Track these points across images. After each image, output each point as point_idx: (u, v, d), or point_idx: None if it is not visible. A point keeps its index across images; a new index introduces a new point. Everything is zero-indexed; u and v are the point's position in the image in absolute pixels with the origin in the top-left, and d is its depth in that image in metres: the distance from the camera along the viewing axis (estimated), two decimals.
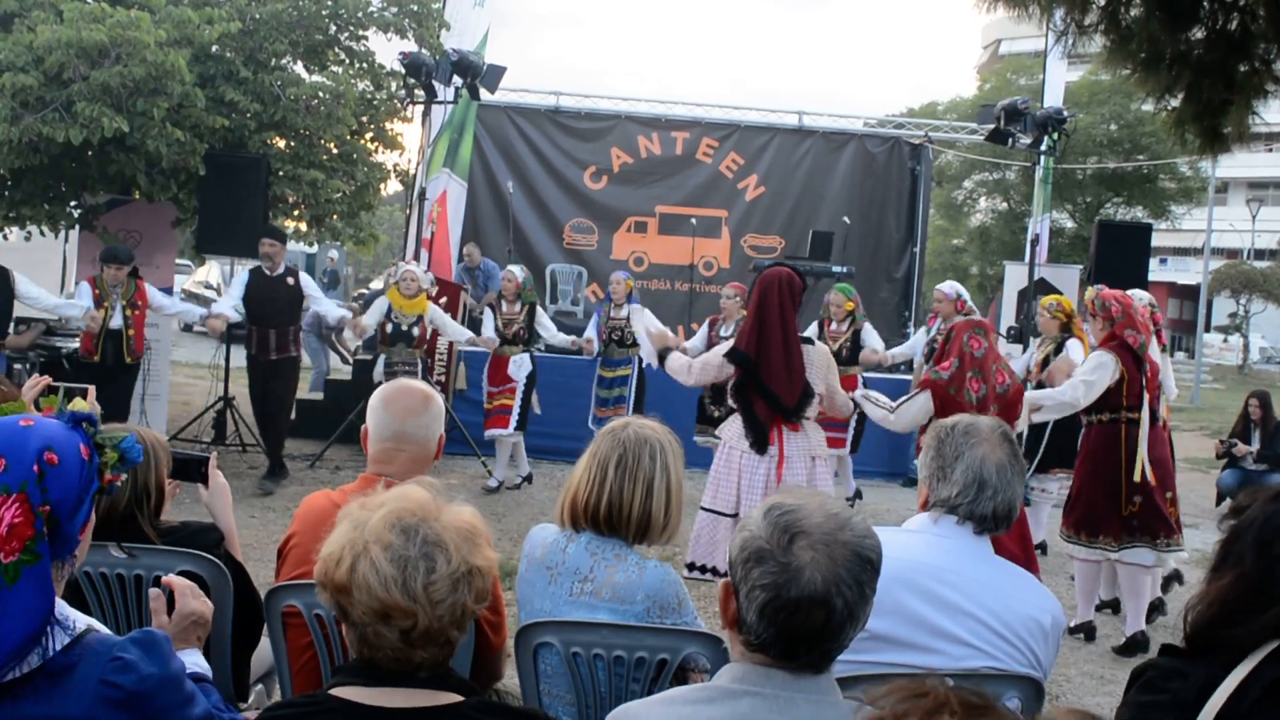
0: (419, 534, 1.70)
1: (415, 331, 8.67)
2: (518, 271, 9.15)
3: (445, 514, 1.75)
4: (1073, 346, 7.37)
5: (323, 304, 9.12)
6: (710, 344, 8.41)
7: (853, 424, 8.82)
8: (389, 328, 8.67)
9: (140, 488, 2.81)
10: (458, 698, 1.74)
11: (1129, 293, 6.22)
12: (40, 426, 1.70)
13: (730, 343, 5.60)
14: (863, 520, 1.74)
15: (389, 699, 1.70)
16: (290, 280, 8.65)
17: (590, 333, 9.28)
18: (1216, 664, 1.74)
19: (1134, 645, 5.79)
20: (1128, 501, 5.73)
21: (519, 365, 8.89)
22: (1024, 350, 9.88)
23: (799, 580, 1.61)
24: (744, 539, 1.69)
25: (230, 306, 8.51)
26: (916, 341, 9.30)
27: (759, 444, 5.26)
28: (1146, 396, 5.81)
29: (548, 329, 9.25)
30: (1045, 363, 7.41)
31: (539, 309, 9.33)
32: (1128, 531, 5.74)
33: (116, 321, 8.11)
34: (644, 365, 9.16)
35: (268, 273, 8.57)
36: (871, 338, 9.09)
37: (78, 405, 1.81)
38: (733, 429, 5.37)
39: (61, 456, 1.69)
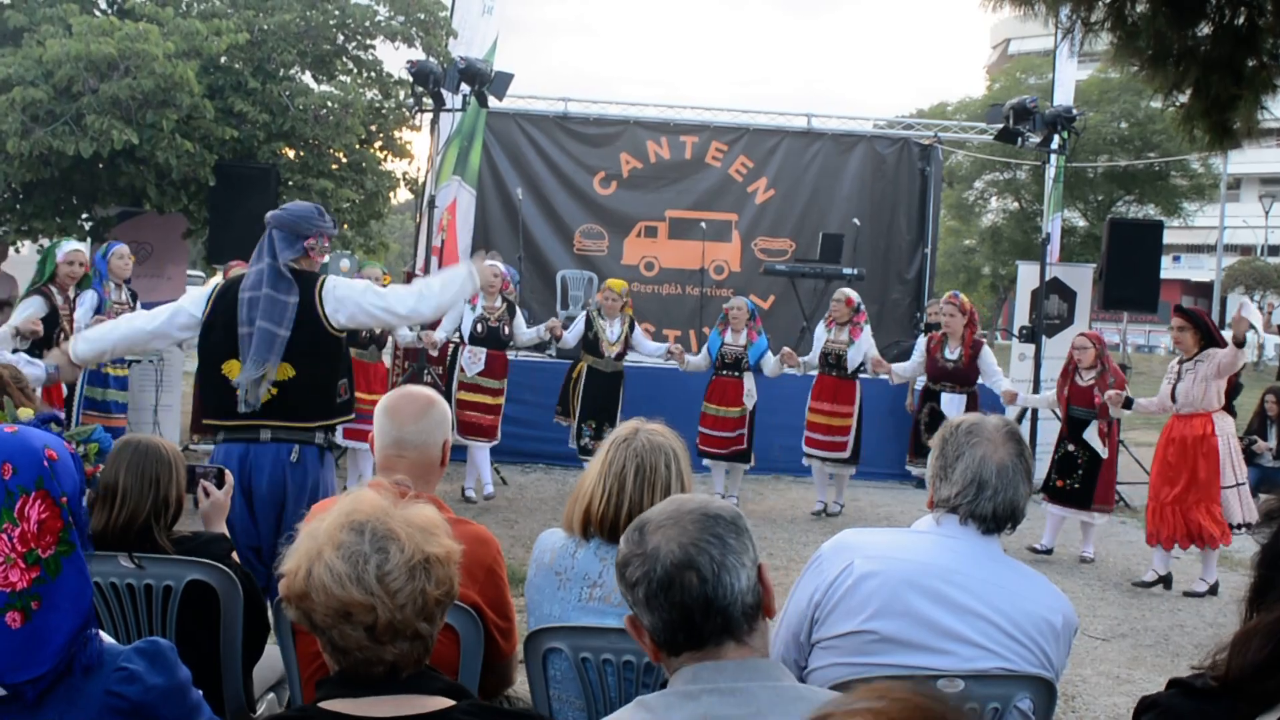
0: (369, 529, 1.69)
1: None
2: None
3: (398, 511, 1.74)
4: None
5: None
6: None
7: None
8: None
9: (160, 500, 2.84)
10: (449, 702, 1.72)
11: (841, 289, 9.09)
12: (25, 430, 1.73)
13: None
14: (709, 496, 1.84)
15: (378, 709, 1.68)
16: None
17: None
18: (1238, 712, 1.58)
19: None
20: None
21: None
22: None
23: (659, 557, 1.70)
24: (616, 564, 1.78)
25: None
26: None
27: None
28: None
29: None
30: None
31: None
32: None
33: None
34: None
35: None
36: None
37: (25, 415, 1.85)
38: (1230, 425, 7.12)
39: (59, 453, 1.73)
